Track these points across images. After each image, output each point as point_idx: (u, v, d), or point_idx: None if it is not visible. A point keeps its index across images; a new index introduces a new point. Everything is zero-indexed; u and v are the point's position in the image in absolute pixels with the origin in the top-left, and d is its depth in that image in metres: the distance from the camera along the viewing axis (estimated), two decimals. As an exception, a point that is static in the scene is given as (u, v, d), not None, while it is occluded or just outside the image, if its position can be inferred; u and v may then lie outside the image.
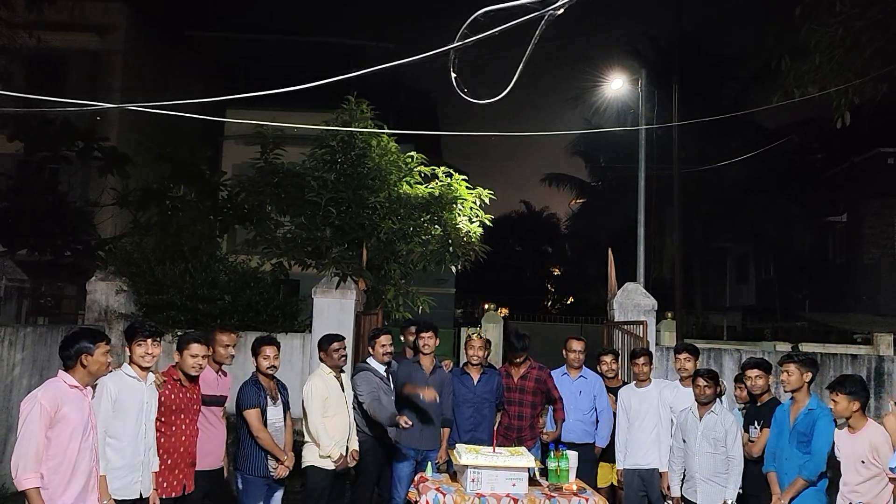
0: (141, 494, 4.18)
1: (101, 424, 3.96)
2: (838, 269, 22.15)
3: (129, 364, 4.27)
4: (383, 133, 9.72)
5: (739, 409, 5.73)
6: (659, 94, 16.06)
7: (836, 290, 21.74)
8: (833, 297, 21.58)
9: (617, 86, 14.30)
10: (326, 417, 5.30)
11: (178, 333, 4.82)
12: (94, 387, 4.02)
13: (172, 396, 4.60)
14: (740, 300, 26.48)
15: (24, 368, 7.66)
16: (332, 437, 5.38)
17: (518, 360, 6.04)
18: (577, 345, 6.18)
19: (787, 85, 7.88)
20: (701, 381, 5.22)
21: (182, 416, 4.65)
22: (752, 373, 5.28)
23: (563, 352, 6.26)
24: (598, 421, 6.11)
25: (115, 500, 3.95)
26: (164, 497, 4.43)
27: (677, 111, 16.83)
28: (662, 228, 21.55)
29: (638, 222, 11.78)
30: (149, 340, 4.28)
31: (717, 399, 5.30)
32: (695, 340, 11.56)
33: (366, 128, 10.28)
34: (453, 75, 3.83)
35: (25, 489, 3.55)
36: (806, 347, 11.46)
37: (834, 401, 4.52)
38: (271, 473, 5.15)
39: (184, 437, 4.64)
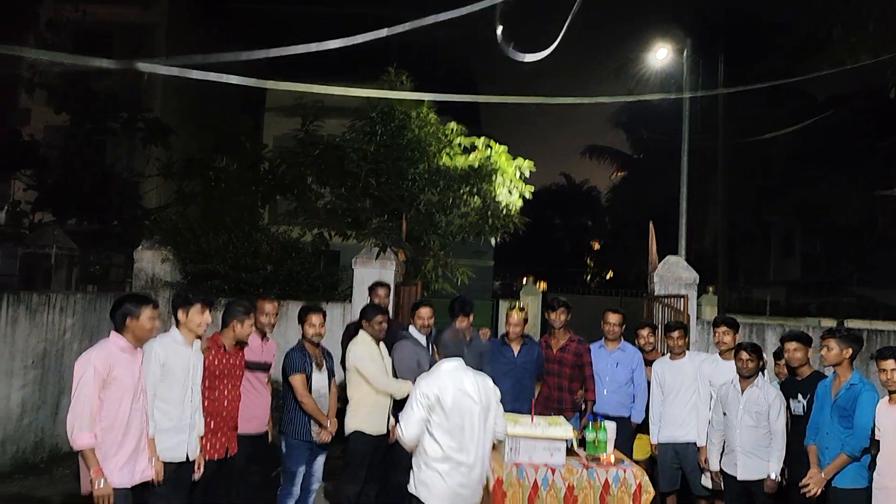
0: (187, 456, 4.30)
1: (150, 387, 4.07)
2: (888, 244, 21.48)
3: (177, 329, 4.37)
4: (423, 96, 9.60)
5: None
6: (704, 63, 15.66)
7: (885, 265, 21.11)
8: (882, 272, 20.96)
9: (662, 55, 13.95)
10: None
11: (223, 302, 4.94)
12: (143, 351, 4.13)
13: (216, 362, 4.71)
14: (785, 275, 25.91)
15: (74, 333, 7.92)
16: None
17: (556, 325, 6.04)
18: (613, 317, 6.14)
19: (839, 54, 7.61)
20: (744, 355, 5.15)
21: (225, 381, 4.76)
22: (791, 345, 5.18)
23: (601, 324, 6.23)
24: (635, 395, 6.08)
25: (162, 460, 4.07)
26: (207, 459, 4.55)
27: (723, 81, 16.39)
28: (705, 201, 21.14)
29: (680, 194, 11.56)
30: (206, 310, 4.41)
31: (760, 373, 5.22)
32: (737, 315, 11.34)
33: (405, 99, 10.26)
34: (498, 29, 3.76)
35: (80, 448, 3.66)
36: (852, 324, 11.19)
37: (883, 369, 4.41)
38: (314, 438, 5.25)
39: (226, 402, 4.76)
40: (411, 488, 4.14)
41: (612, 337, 6.10)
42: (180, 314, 4.31)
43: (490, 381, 4.41)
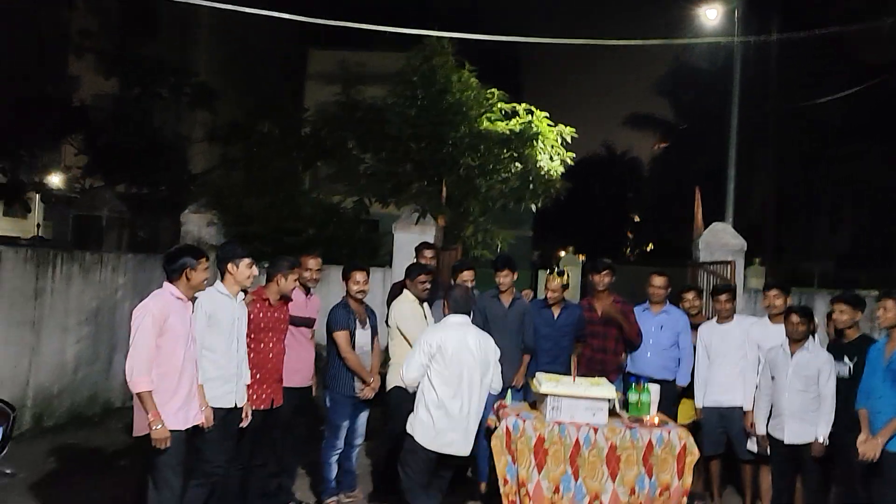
0: (235, 404, 4.41)
1: (198, 337, 4.16)
2: (944, 217, 20.73)
3: (221, 282, 4.45)
4: (463, 36, 9.46)
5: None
6: (756, 26, 15.13)
7: (940, 238, 20.42)
8: (937, 246, 20.28)
9: (712, 16, 13.54)
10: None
11: (265, 265, 5.03)
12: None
13: (261, 315, 4.79)
14: (834, 247, 25.20)
15: (125, 292, 8.13)
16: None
17: (601, 287, 6.00)
18: (658, 280, 6.06)
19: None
20: (794, 318, 5.04)
21: (270, 335, 4.85)
22: (840, 306, 5.05)
23: (646, 288, 6.15)
24: (680, 359, 6.02)
25: (213, 407, 4.18)
26: (254, 409, 4.65)
27: (776, 46, 15.86)
28: (753, 170, 20.63)
29: (728, 160, 11.28)
30: (254, 265, 4.50)
31: (811, 337, 5.12)
32: (784, 286, 11.12)
33: (446, 64, 10.18)
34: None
35: (139, 391, 3.76)
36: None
37: None
38: (357, 394, 5.33)
39: (271, 355, 4.85)
40: (409, 427, 4.50)
41: (656, 300, 6.04)
42: (231, 267, 4.38)
43: (492, 341, 4.69)
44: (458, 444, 4.50)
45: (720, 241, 8.88)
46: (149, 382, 3.77)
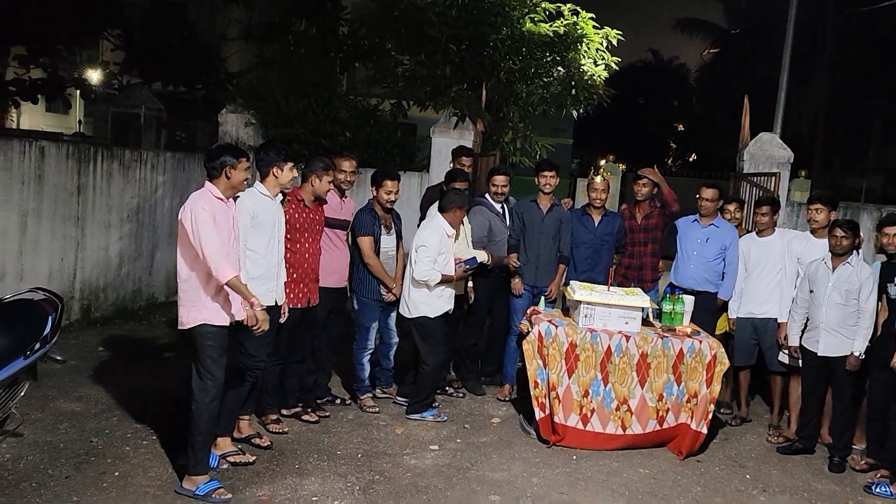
0: (276, 302, 4.51)
1: (241, 237, 4.21)
2: None
3: (262, 183, 4.46)
4: None
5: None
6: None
7: None
8: None
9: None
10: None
11: (301, 167, 5.01)
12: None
13: (296, 215, 4.83)
14: (885, 162, 24.34)
15: (165, 190, 8.25)
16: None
17: (641, 197, 5.91)
18: (708, 192, 5.89)
19: None
20: (839, 231, 4.91)
21: (306, 235, 4.89)
22: (891, 230, 4.89)
23: (696, 200, 6.01)
24: (725, 272, 5.92)
25: None
26: (291, 307, 4.76)
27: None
28: (805, 80, 19.74)
29: (782, 68, 10.72)
30: (294, 168, 4.50)
31: (855, 251, 5.00)
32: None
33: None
34: None
35: (228, 280, 3.82)
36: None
37: None
38: (383, 297, 5.42)
39: (307, 255, 4.91)
40: (418, 312, 5.29)
41: (705, 212, 5.88)
42: (275, 170, 4.39)
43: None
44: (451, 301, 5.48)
45: (766, 152, 8.60)
46: (233, 269, 3.83)
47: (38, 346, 4.03)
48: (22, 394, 4.18)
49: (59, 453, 4.37)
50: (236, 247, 4.08)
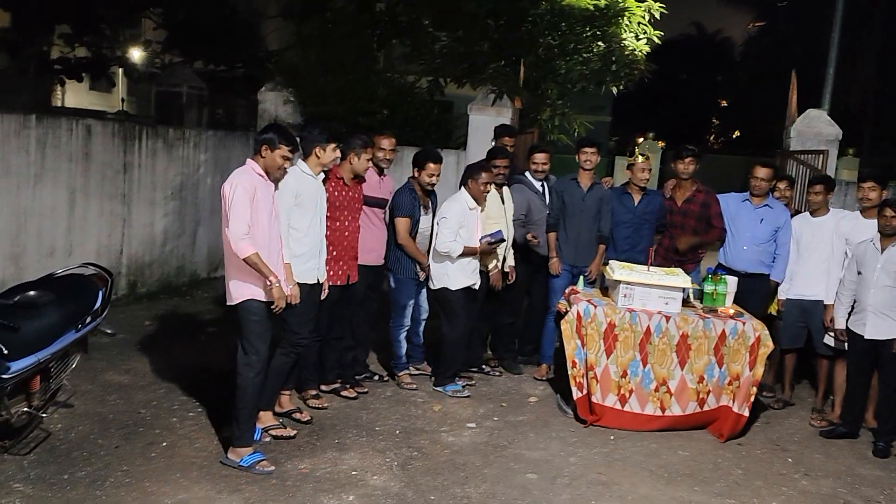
0: (318, 279, 4.56)
1: (284, 216, 4.26)
2: None
3: (305, 161, 4.50)
4: None
5: None
6: None
7: None
8: None
9: None
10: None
11: (340, 145, 5.03)
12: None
13: (336, 193, 4.85)
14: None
15: (207, 168, 8.36)
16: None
17: (684, 175, 5.79)
18: (762, 171, 5.72)
19: None
20: (889, 212, 4.78)
21: (345, 213, 4.92)
22: None
23: (749, 179, 5.85)
24: (777, 254, 5.79)
25: (298, 282, 4.34)
26: (330, 284, 4.80)
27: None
28: (855, 55, 19.08)
29: (831, 41, 10.38)
30: (337, 148, 4.54)
31: (905, 232, 4.86)
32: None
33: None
34: None
35: (246, 255, 3.88)
36: None
37: None
38: (419, 275, 5.45)
39: (347, 233, 4.94)
40: (440, 283, 5.35)
41: (758, 192, 5.71)
42: (318, 150, 4.43)
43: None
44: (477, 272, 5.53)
45: (814, 129, 8.38)
46: (253, 246, 3.89)
47: (88, 319, 4.16)
48: (73, 366, 4.32)
49: (109, 424, 4.51)
50: (276, 224, 4.13)
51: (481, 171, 5.38)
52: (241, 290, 4.00)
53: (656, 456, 4.67)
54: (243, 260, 3.88)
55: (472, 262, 5.43)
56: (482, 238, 5.40)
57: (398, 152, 6.20)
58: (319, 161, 4.47)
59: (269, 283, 3.92)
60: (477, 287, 5.52)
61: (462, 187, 5.44)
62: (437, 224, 5.33)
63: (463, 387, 5.53)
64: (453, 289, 5.36)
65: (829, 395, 5.62)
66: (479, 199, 5.42)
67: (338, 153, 4.61)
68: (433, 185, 5.39)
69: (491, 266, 5.62)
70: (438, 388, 5.50)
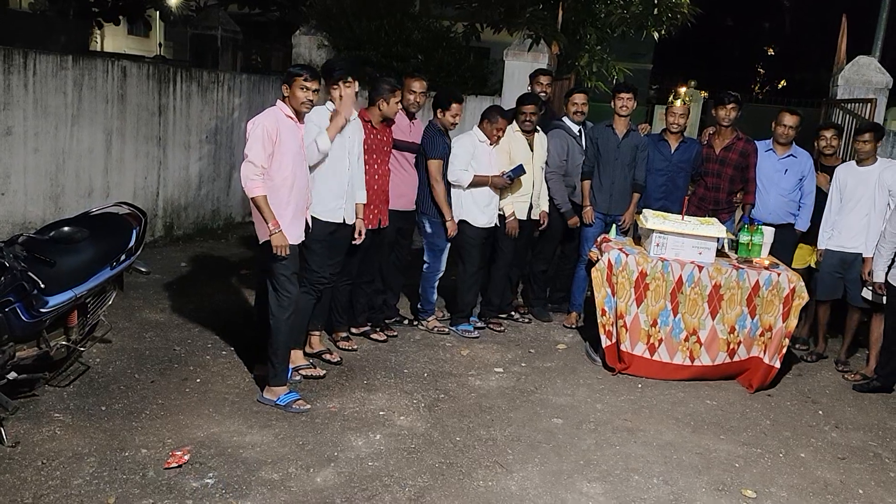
0: (344, 220, 4.56)
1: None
2: None
3: (332, 101, 4.46)
4: None
5: None
6: None
7: None
8: None
9: None
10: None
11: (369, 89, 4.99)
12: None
13: (365, 137, 4.81)
14: None
15: (241, 112, 8.37)
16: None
17: (725, 122, 5.62)
18: (789, 119, 5.56)
19: None
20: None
21: (375, 157, 4.90)
22: None
23: (773, 126, 5.69)
24: (802, 203, 5.66)
25: (321, 220, 4.36)
26: (361, 228, 4.82)
27: None
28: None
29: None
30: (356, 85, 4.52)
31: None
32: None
33: None
34: None
35: (254, 196, 3.92)
36: None
37: None
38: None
39: (377, 176, 4.92)
40: (457, 217, 5.36)
41: (783, 140, 5.57)
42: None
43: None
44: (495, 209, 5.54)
45: (863, 76, 8.03)
46: (263, 188, 3.91)
47: (123, 257, 4.24)
48: (109, 302, 4.43)
49: (145, 360, 4.64)
50: (304, 166, 4.13)
51: (499, 116, 5.34)
52: (267, 230, 4.03)
53: (683, 404, 4.66)
54: (251, 198, 3.92)
55: (488, 196, 5.41)
56: (503, 175, 5.36)
57: (432, 98, 6.13)
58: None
59: (269, 228, 3.92)
60: (491, 226, 5.51)
61: (477, 126, 5.43)
62: (450, 159, 5.35)
63: (474, 328, 5.57)
64: (471, 223, 5.39)
65: (855, 347, 5.52)
66: (491, 138, 5.41)
67: (399, 106, 4.87)
68: (455, 125, 5.36)
69: (508, 212, 5.55)
70: (452, 329, 5.55)
